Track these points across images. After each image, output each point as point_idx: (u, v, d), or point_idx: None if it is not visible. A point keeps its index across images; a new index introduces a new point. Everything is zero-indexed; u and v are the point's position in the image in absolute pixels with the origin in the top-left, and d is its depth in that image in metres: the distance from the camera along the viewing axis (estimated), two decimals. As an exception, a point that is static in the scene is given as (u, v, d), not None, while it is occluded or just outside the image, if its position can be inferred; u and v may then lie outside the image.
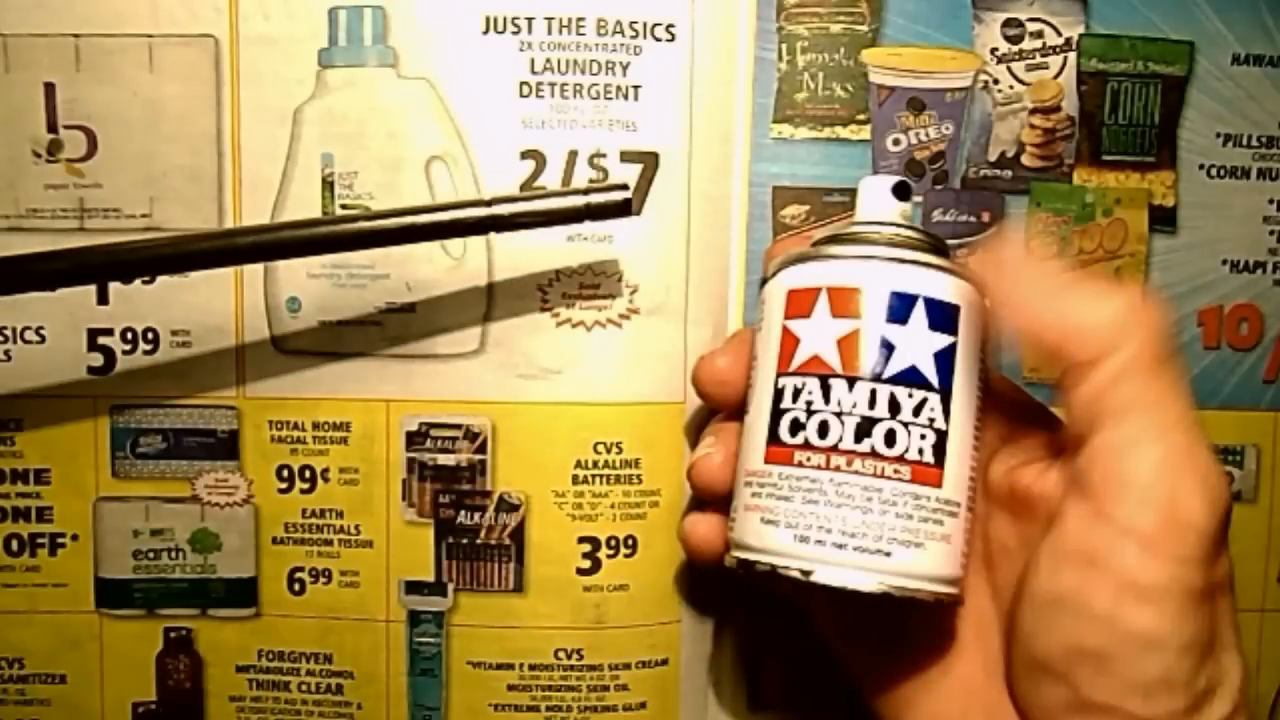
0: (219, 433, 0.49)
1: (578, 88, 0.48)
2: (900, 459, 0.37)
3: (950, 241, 0.51)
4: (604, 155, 0.48)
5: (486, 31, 0.48)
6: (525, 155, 0.48)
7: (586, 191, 0.43)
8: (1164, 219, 0.52)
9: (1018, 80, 0.51)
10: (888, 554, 0.36)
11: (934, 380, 0.37)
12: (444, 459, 0.49)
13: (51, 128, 0.47)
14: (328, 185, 0.48)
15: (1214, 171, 0.52)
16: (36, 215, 0.48)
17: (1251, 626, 0.54)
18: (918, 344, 0.37)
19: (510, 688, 0.50)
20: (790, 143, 0.50)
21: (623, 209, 0.43)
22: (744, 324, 0.50)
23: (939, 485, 0.37)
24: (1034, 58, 0.51)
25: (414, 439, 0.49)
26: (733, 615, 0.51)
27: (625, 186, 0.43)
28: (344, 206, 0.48)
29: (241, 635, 0.50)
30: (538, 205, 0.43)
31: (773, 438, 0.39)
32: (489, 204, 0.42)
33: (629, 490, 0.49)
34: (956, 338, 0.38)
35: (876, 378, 0.37)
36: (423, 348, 0.49)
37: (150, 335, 0.48)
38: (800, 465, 0.38)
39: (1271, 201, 0.52)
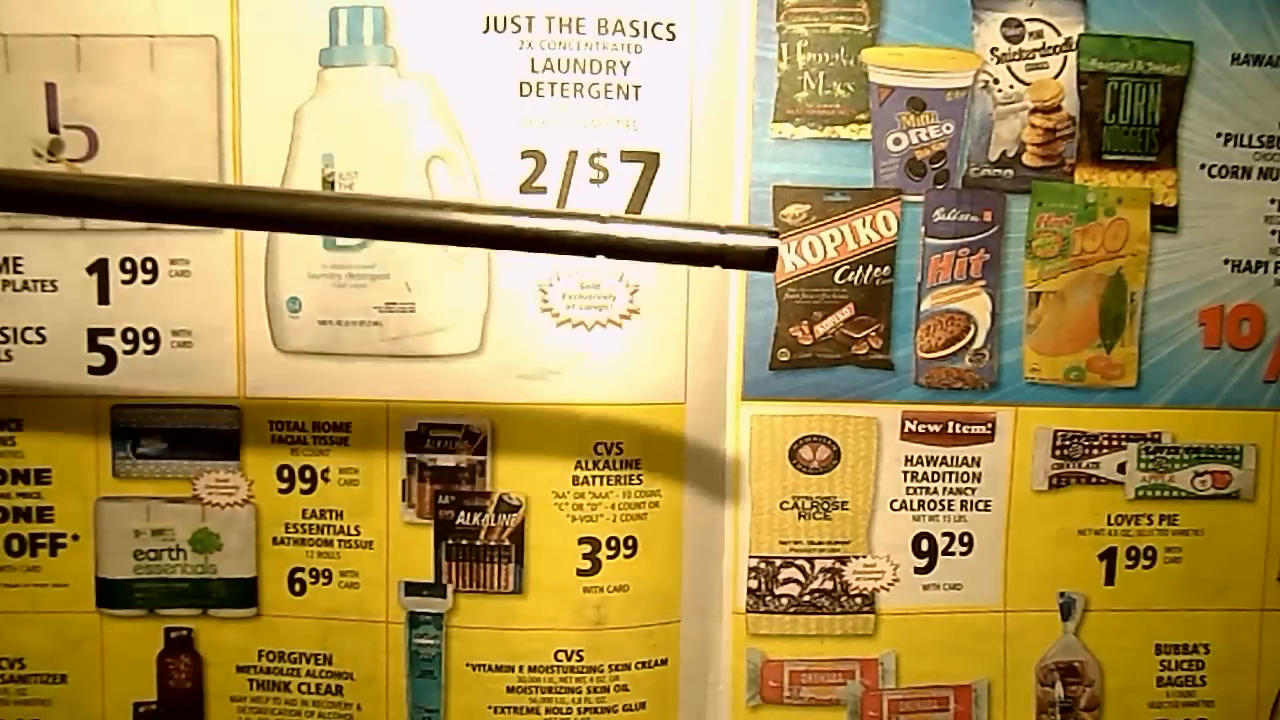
0: (219, 433, 0.49)
1: (578, 87, 0.48)
2: None
3: (952, 241, 0.51)
4: (604, 155, 0.48)
5: (487, 30, 0.48)
6: (525, 155, 0.48)
7: (725, 230, 0.33)
8: (1166, 219, 0.52)
9: (1018, 80, 0.51)
10: None
11: None
12: (444, 460, 0.49)
13: (52, 128, 0.47)
14: (328, 185, 0.48)
15: (1215, 171, 0.52)
16: (37, 215, 0.48)
17: (1251, 626, 0.54)
18: None
19: (510, 689, 0.50)
20: (790, 142, 0.50)
21: (767, 261, 0.33)
22: (744, 324, 0.50)
23: None
24: (1034, 58, 0.51)
25: (414, 439, 0.49)
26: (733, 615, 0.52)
27: (776, 233, 0.34)
28: (344, 206, 0.48)
29: (242, 635, 0.50)
30: (662, 234, 0.33)
31: None
32: (604, 220, 0.33)
33: (629, 490, 0.49)
34: None
35: None
36: (423, 347, 0.49)
37: (150, 335, 0.48)
38: None
39: (1273, 201, 0.52)
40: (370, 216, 0.33)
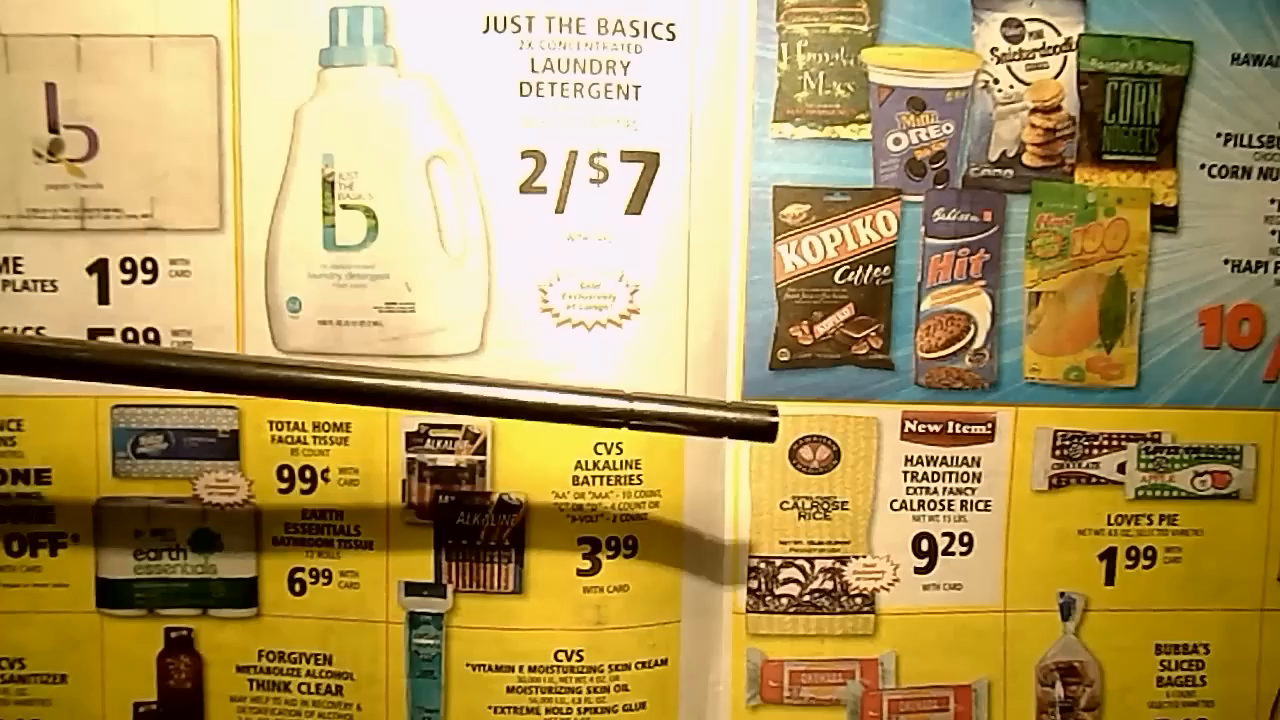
0: (219, 433, 0.49)
1: (578, 87, 0.48)
2: None
3: (952, 241, 0.51)
4: (604, 154, 0.48)
5: (487, 30, 0.48)
6: (525, 154, 0.48)
7: (732, 408, 0.41)
8: (1165, 219, 0.52)
9: (1018, 80, 0.51)
10: None
11: None
12: (444, 459, 0.49)
13: (52, 128, 0.47)
14: (328, 184, 0.48)
15: (1215, 171, 0.52)
16: (37, 215, 0.48)
17: (1252, 626, 0.54)
18: None
19: (510, 689, 0.50)
20: (790, 142, 0.50)
21: (769, 432, 0.41)
22: (744, 324, 0.50)
23: None
24: (1034, 57, 0.51)
25: (414, 439, 0.49)
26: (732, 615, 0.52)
27: (774, 410, 0.41)
28: (344, 206, 0.48)
29: (242, 635, 0.50)
30: (679, 410, 0.40)
31: None
32: (630, 399, 0.40)
33: (629, 491, 0.49)
34: None
35: None
36: (423, 348, 0.49)
37: (151, 335, 0.48)
38: None
39: (1273, 201, 0.52)
40: (409, 392, 0.39)
